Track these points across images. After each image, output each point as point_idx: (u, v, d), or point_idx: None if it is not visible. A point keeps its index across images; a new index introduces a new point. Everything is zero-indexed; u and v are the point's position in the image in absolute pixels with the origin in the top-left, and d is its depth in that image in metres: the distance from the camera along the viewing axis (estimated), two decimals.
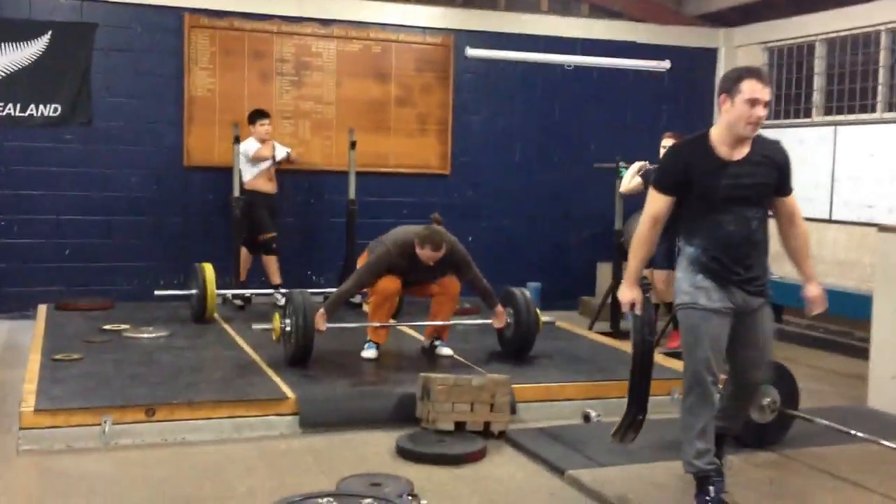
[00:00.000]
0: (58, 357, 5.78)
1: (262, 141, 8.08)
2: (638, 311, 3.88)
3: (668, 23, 9.91)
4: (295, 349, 5.77)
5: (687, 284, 3.82)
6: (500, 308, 6.27)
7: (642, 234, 3.85)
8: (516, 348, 6.30)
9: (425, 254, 5.86)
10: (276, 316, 5.93)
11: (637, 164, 7.75)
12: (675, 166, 3.83)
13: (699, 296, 3.77)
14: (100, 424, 4.67)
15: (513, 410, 5.17)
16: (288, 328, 5.82)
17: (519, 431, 4.99)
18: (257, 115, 8.11)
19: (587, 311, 9.27)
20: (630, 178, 7.71)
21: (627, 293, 3.89)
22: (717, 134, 3.82)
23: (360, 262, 6.42)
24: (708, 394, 3.79)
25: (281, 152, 8.15)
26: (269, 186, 8.16)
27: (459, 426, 4.88)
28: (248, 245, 8.16)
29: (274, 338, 5.90)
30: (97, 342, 6.33)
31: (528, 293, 6.39)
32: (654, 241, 3.88)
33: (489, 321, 6.35)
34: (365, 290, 6.28)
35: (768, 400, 4.86)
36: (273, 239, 8.13)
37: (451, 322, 6.46)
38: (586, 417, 5.23)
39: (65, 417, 4.68)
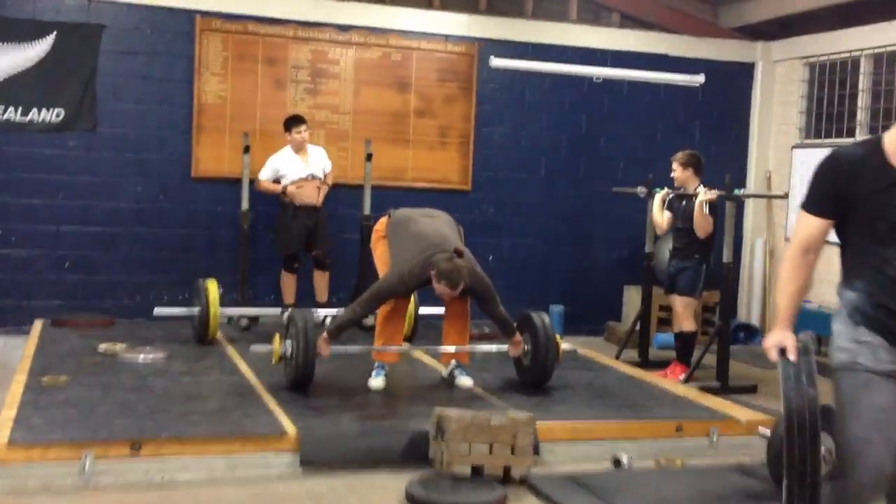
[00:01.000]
0: (44, 380, 5.36)
1: (299, 150, 7.62)
2: (792, 357, 2.92)
3: (702, 35, 9.44)
4: (295, 374, 5.35)
5: (845, 339, 2.96)
6: (517, 337, 5.83)
7: (791, 265, 3.00)
8: (534, 378, 5.85)
9: (440, 289, 5.37)
10: (276, 338, 5.51)
11: (659, 196, 7.29)
12: (834, 179, 2.93)
13: (861, 353, 2.91)
14: (80, 460, 4.23)
15: (535, 451, 4.70)
16: (288, 351, 5.40)
17: (543, 478, 4.51)
18: (293, 122, 7.59)
19: (613, 338, 8.80)
20: (660, 212, 7.26)
21: (774, 336, 2.97)
22: (894, 140, 2.89)
23: (376, 236, 5.97)
24: (860, 485, 2.92)
25: (312, 166, 7.62)
26: (301, 197, 7.59)
27: (477, 470, 4.42)
28: (286, 265, 7.71)
29: (273, 361, 5.49)
30: (89, 363, 5.92)
31: (547, 318, 5.93)
32: (808, 273, 3.02)
33: (507, 347, 5.92)
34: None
35: (822, 450, 4.37)
36: (294, 257, 7.68)
37: (469, 348, 6.01)
38: (617, 462, 4.76)
39: (41, 452, 4.24)
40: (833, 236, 3.03)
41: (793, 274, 3.00)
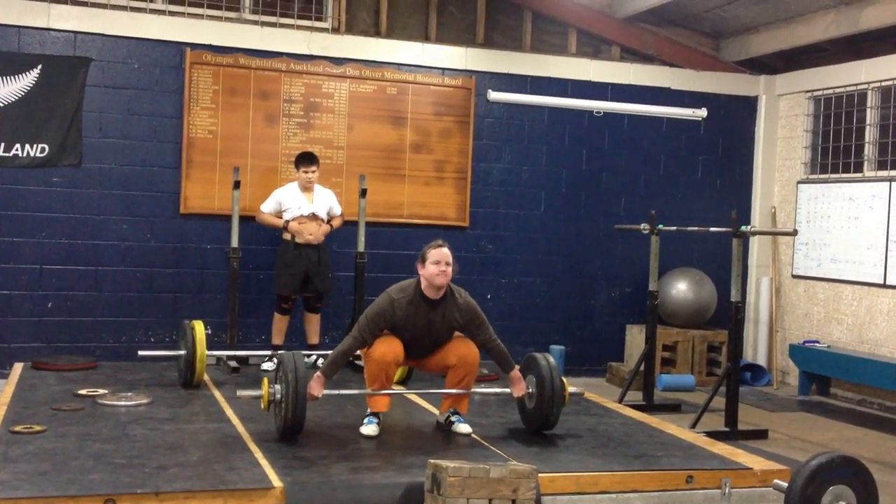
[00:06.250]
0: (17, 429, 5.05)
1: (305, 189, 7.39)
2: None
3: (704, 68, 9.26)
4: (285, 421, 5.05)
5: None
6: (516, 372, 5.53)
7: None
8: (538, 425, 5.55)
9: (432, 264, 5.18)
10: (265, 381, 5.22)
11: None
12: None
13: None
14: None
15: None
16: (278, 396, 5.11)
17: None
18: (301, 161, 7.37)
19: (615, 379, 8.53)
20: None
21: None
22: None
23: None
24: None
25: (316, 205, 7.39)
26: (302, 235, 7.34)
27: None
28: (279, 305, 7.50)
29: (262, 407, 5.20)
30: (66, 410, 5.60)
31: (552, 360, 5.63)
32: None
33: (509, 390, 5.63)
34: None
35: None
36: (288, 299, 7.45)
37: (467, 392, 5.71)
38: None
39: None
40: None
41: None
